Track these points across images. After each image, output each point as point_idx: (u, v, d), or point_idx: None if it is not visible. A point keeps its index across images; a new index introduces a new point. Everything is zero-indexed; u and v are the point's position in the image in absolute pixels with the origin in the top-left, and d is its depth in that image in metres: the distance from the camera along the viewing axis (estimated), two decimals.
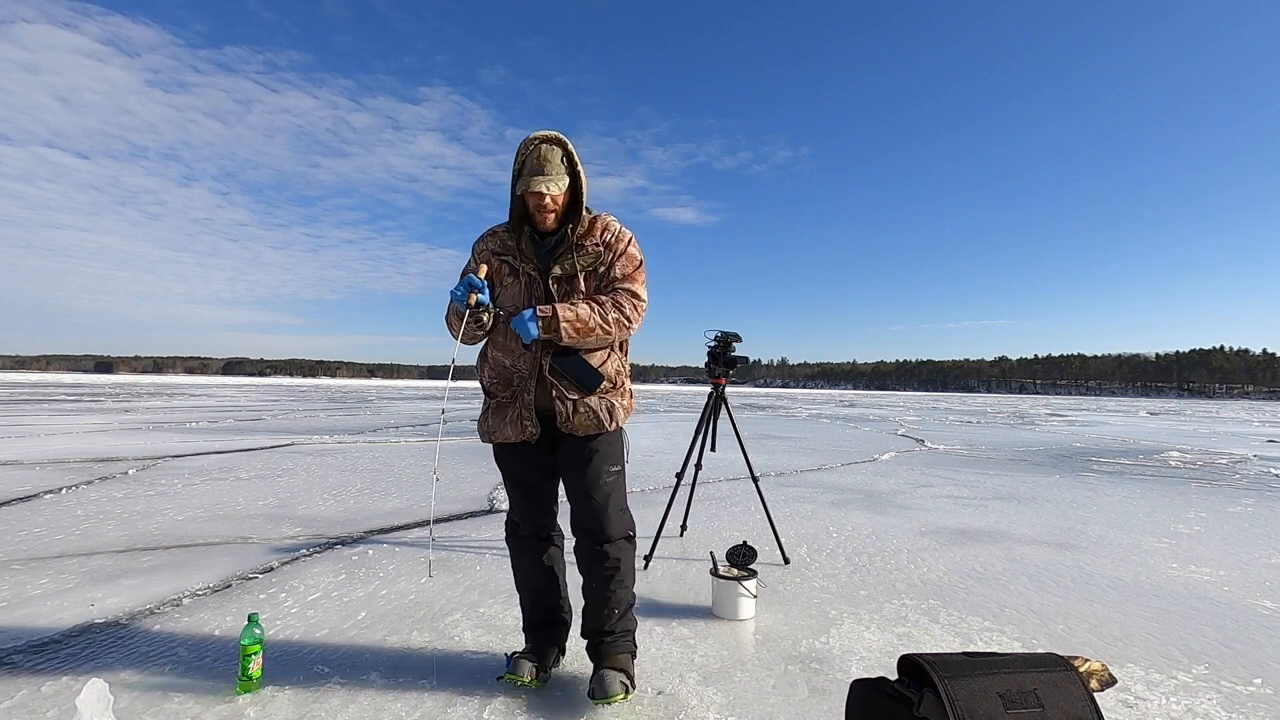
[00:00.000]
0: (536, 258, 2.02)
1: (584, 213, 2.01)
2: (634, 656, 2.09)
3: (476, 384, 2.18)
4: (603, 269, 2.02)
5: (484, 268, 1.98)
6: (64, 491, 4.98)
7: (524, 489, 2.11)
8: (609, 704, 1.90)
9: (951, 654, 1.49)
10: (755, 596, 2.70)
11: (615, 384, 2.06)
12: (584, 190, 2.00)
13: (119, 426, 11.04)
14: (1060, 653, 1.71)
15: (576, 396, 1.97)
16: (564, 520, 2.13)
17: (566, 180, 1.93)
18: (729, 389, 3.66)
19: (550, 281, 2.00)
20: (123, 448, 7.89)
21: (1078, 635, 2.59)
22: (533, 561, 2.14)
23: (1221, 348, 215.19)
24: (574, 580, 2.17)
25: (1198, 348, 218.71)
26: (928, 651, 1.80)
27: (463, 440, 9.32)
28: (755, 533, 4.00)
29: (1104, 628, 2.68)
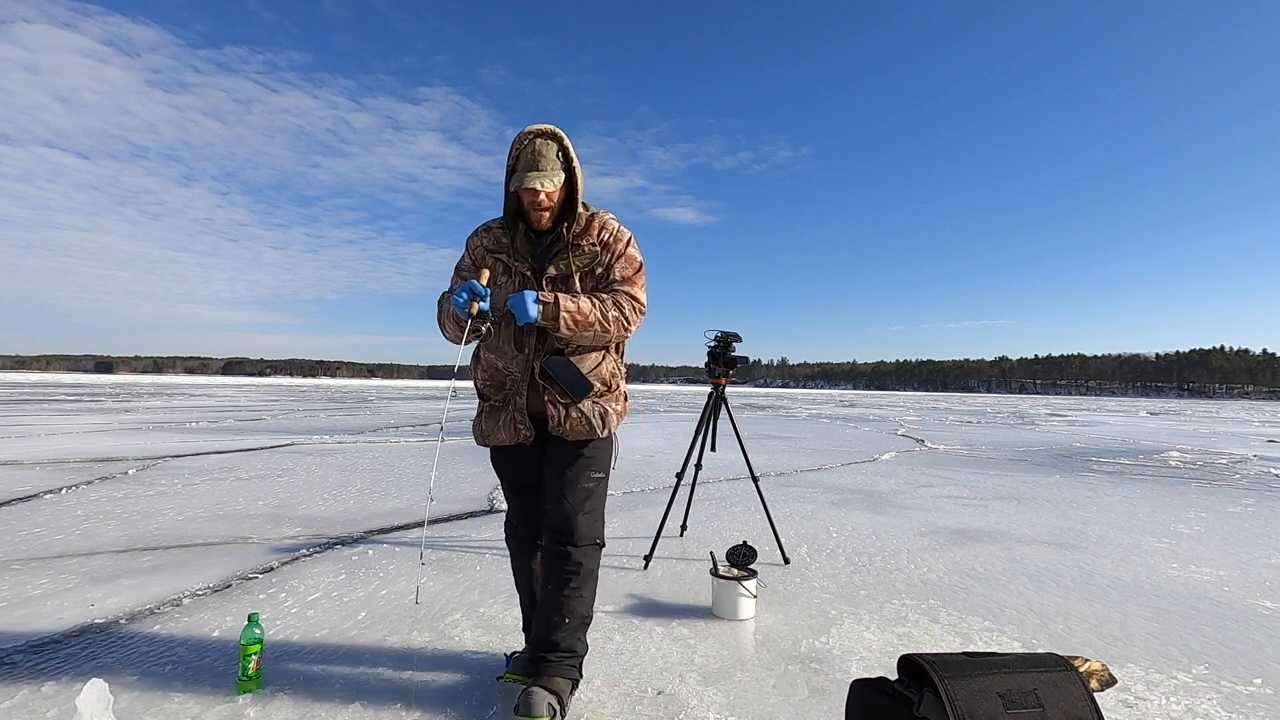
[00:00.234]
0: (531, 256, 1.96)
1: (580, 210, 1.96)
2: (575, 687, 1.93)
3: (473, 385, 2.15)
4: (600, 270, 1.96)
5: (485, 272, 1.90)
6: (64, 491, 4.98)
7: (520, 492, 2.08)
8: None
9: (951, 654, 1.49)
10: (755, 596, 2.70)
11: (610, 387, 2.01)
12: (580, 187, 1.94)
13: (119, 426, 11.04)
14: (1060, 653, 1.71)
15: (567, 401, 1.93)
16: None
17: (562, 176, 1.87)
18: (729, 389, 3.66)
19: (544, 281, 1.94)
20: (123, 448, 7.89)
21: (1078, 635, 2.59)
22: (532, 563, 2.11)
23: (1221, 348, 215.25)
24: None
25: (1198, 348, 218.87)
26: (928, 651, 1.80)
27: (462, 440, 9.31)
28: (755, 533, 4.00)
29: (1104, 628, 2.68)
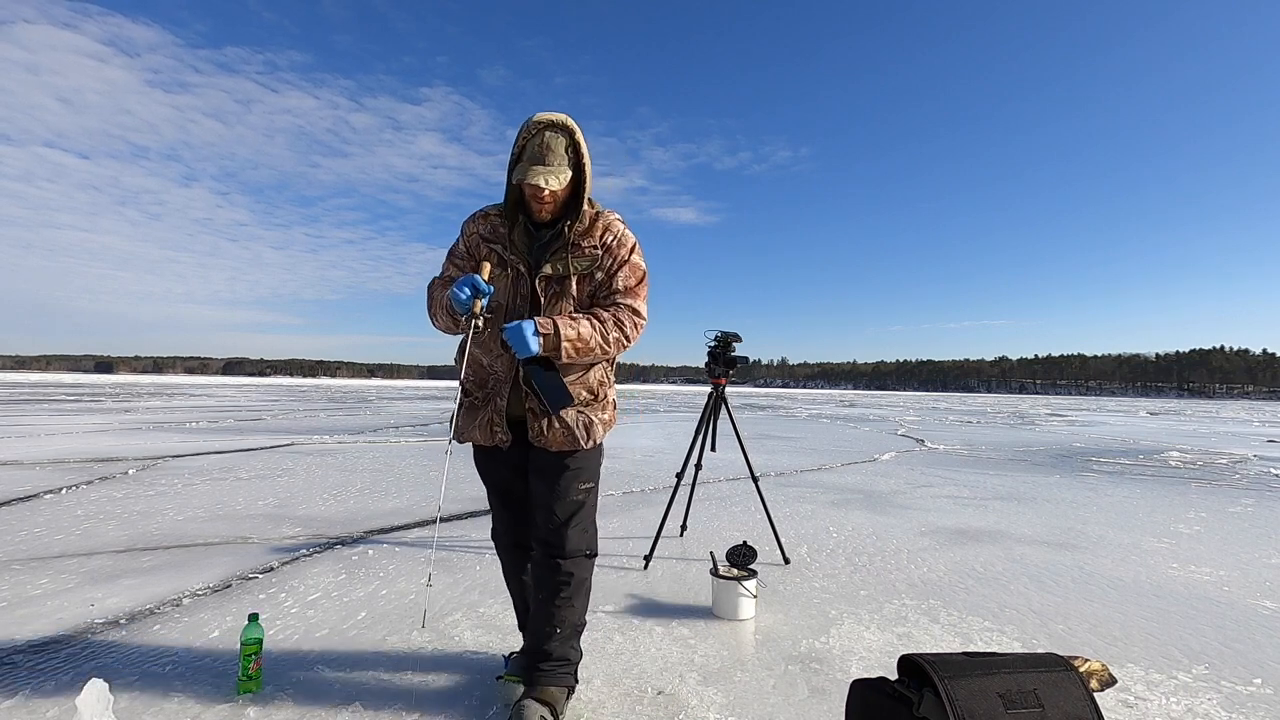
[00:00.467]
0: (528, 252, 1.86)
1: (585, 207, 1.84)
2: (571, 693, 1.91)
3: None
4: (600, 275, 1.86)
5: (487, 266, 1.80)
6: (64, 491, 4.98)
7: (504, 496, 2.00)
8: None
9: (951, 654, 1.49)
10: (755, 596, 2.70)
11: (597, 396, 1.92)
12: (587, 184, 1.82)
13: (119, 426, 11.04)
14: (1060, 653, 1.71)
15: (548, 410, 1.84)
16: None
17: (569, 174, 1.75)
18: (729, 389, 3.66)
19: (538, 281, 1.84)
20: (123, 448, 7.89)
21: (1078, 635, 2.59)
22: (520, 570, 2.04)
23: (1221, 348, 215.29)
24: None
25: (1198, 348, 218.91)
26: (928, 651, 1.80)
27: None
28: (755, 533, 4.00)
29: (1104, 628, 2.68)
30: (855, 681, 1.59)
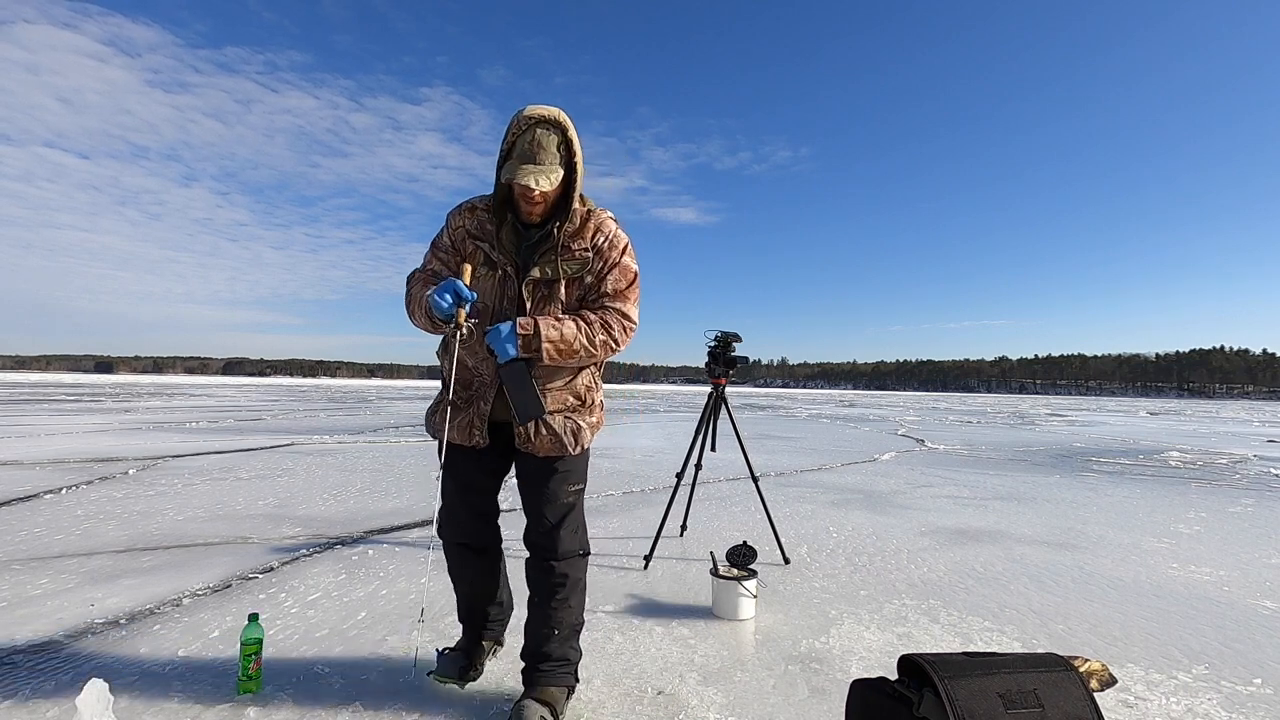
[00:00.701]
0: (516, 252, 1.80)
1: (576, 205, 1.79)
2: (571, 692, 1.89)
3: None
4: (590, 278, 1.81)
5: (469, 269, 1.74)
6: (64, 491, 4.98)
7: (462, 488, 1.91)
8: None
9: (951, 654, 1.49)
10: (755, 596, 2.70)
11: (585, 402, 1.89)
12: (579, 182, 1.76)
13: (119, 426, 11.04)
14: (1060, 653, 1.71)
15: (542, 414, 1.78)
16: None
17: (560, 173, 1.68)
18: (729, 389, 3.66)
19: (526, 284, 1.78)
20: (123, 448, 7.88)
21: (1078, 635, 2.59)
22: (468, 569, 1.99)
23: (1221, 348, 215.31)
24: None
25: (1198, 348, 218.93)
26: (928, 651, 1.80)
27: None
28: (755, 533, 4.00)
29: (1104, 628, 2.68)
30: (855, 681, 1.59)
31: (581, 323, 1.76)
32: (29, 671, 2.05)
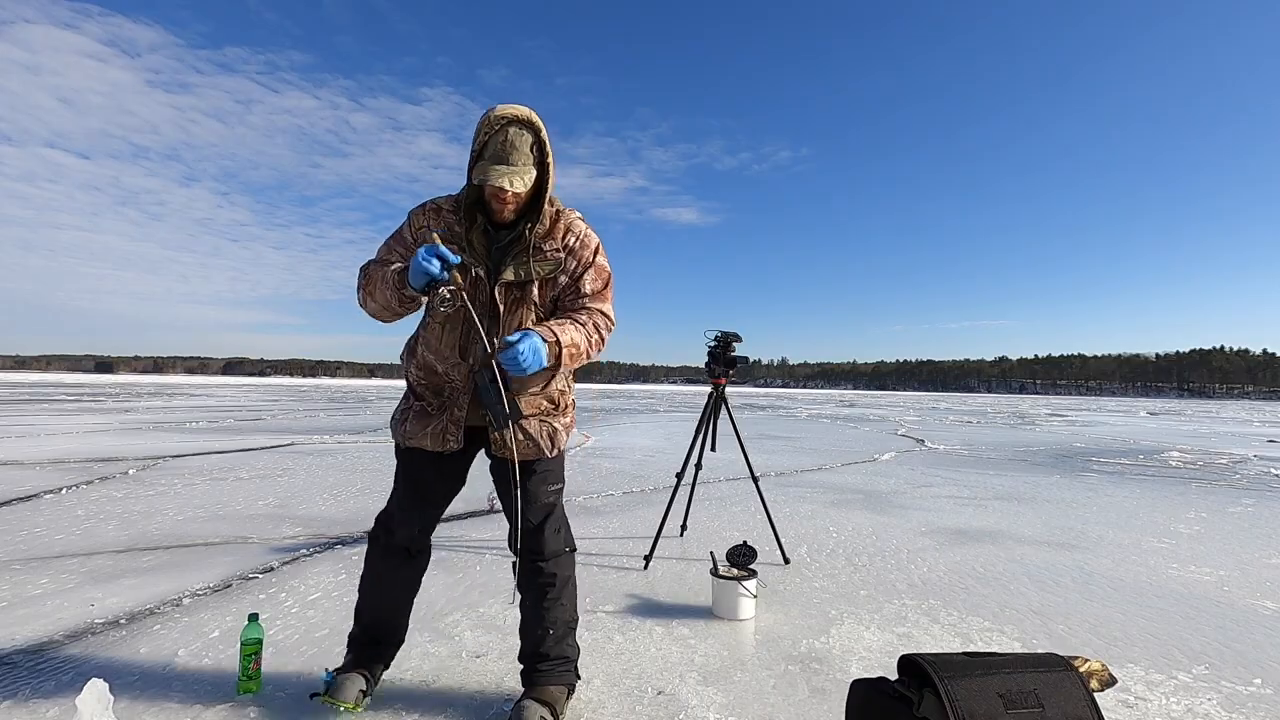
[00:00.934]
0: (487, 255, 1.76)
1: (546, 206, 1.76)
2: (572, 691, 1.89)
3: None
4: (564, 278, 1.79)
5: (436, 237, 1.64)
6: (64, 491, 4.98)
7: (420, 494, 1.88)
8: None
9: (952, 654, 1.49)
10: (755, 596, 2.70)
11: (558, 405, 1.88)
12: (550, 183, 1.73)
13: (119, 426, 11.04)
14: (1060, 653, 1.71)
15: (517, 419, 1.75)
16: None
17: (533, 174, 1.66)
18: (729, 389, 3.66)
19: (499, 287, 1.74)
20: (123, 448, 7.88)
21: (1078, 635, 2.59)
22: (397, 577, 1.93)
23: (1222, 348, 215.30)
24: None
25: (1198, 348, 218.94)
26: (928, 651, 1.80)
27: None
28: (755, 533, 4.00)
29: (1104, 628, 2.68)
30: (855, 681, 1.59)
31: (580, 326, 1.74)
32: (29, 671, 2.05)
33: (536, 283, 1.77)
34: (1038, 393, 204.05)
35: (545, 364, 1.62)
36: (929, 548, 3.93)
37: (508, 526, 1.91)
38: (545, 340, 1.62)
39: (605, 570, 3.31)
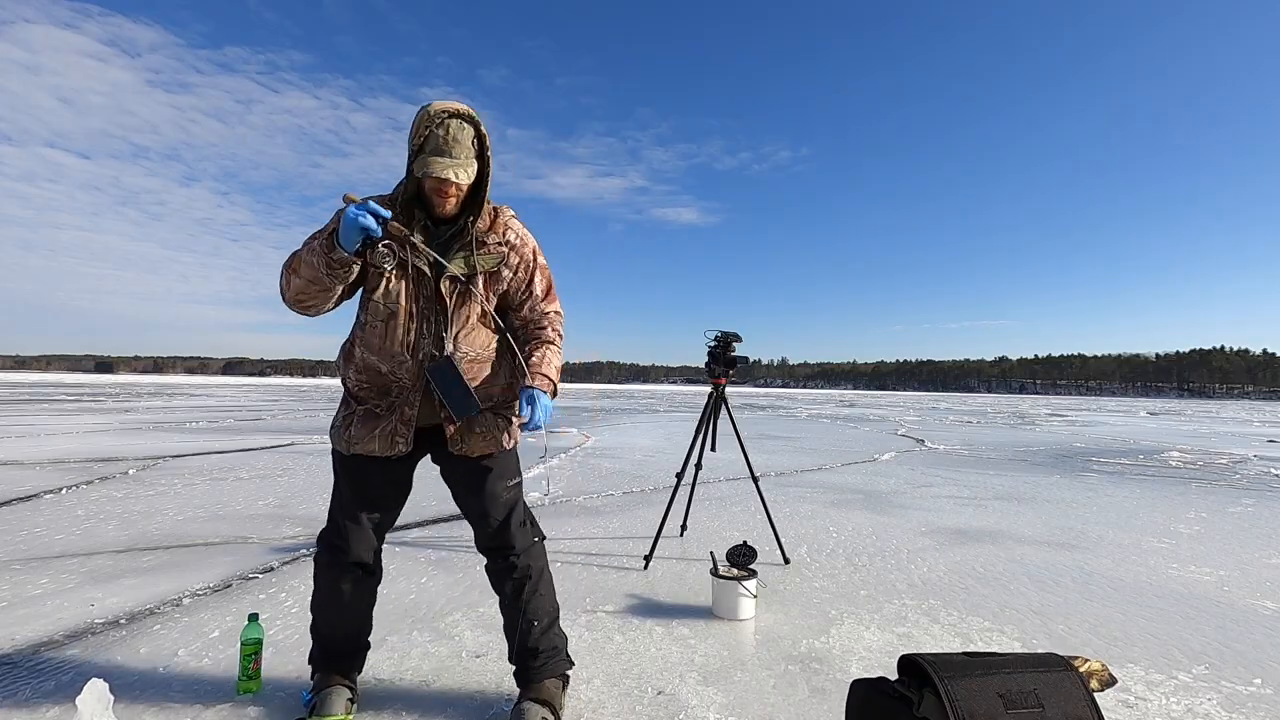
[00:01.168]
0: (429, 251, 1.75)
1: (486, 203, 1.78)
2: (567, 681, 1.90)
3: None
4: (507, 272, 1.82)
5: (353, 196, 1.63)
6: (64, 491, 4.98)
7: (368, 505, 1.82)
8: None
9: (952, 654, 1.49)
10: (755, 596, 2.70)
11: (507, 398, 1.89)
12: (490, 178, 1.75)
13: (119, 426, 11.04)
14: (1060, 653, 1.71)
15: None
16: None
17: (475, 167, 1.68)
18: (729, 389, 3.66)
19: (444, 281, 1.73)
20: (123, 448, 7.88)
21: (1078, 635, 2.59)
22: (357, 593, 1.84)
23: (1222, 348, 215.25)
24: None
25: (1198, 348, 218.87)
26: (928, 651, 1.80)
27: None
28: (755, 533, 4.00)
29: (1104, 628, 2.68)
30: (855, 681, 1.59)
31: (557, 348, 1.87)
32: (29, 671, 2.05)
33: (482, 276, 1.78)
34: (1038, 393, 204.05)
35: (551, 406, 1.78)
36: (929, 548, 3.93)
37: (538, 535, 1.96)
38: (549, 390, 1.78)
39: (605, 570, 3.31)
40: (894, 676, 1.54)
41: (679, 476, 3.55)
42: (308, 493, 5.18)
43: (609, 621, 2.61)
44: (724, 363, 3.50)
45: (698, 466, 3.62)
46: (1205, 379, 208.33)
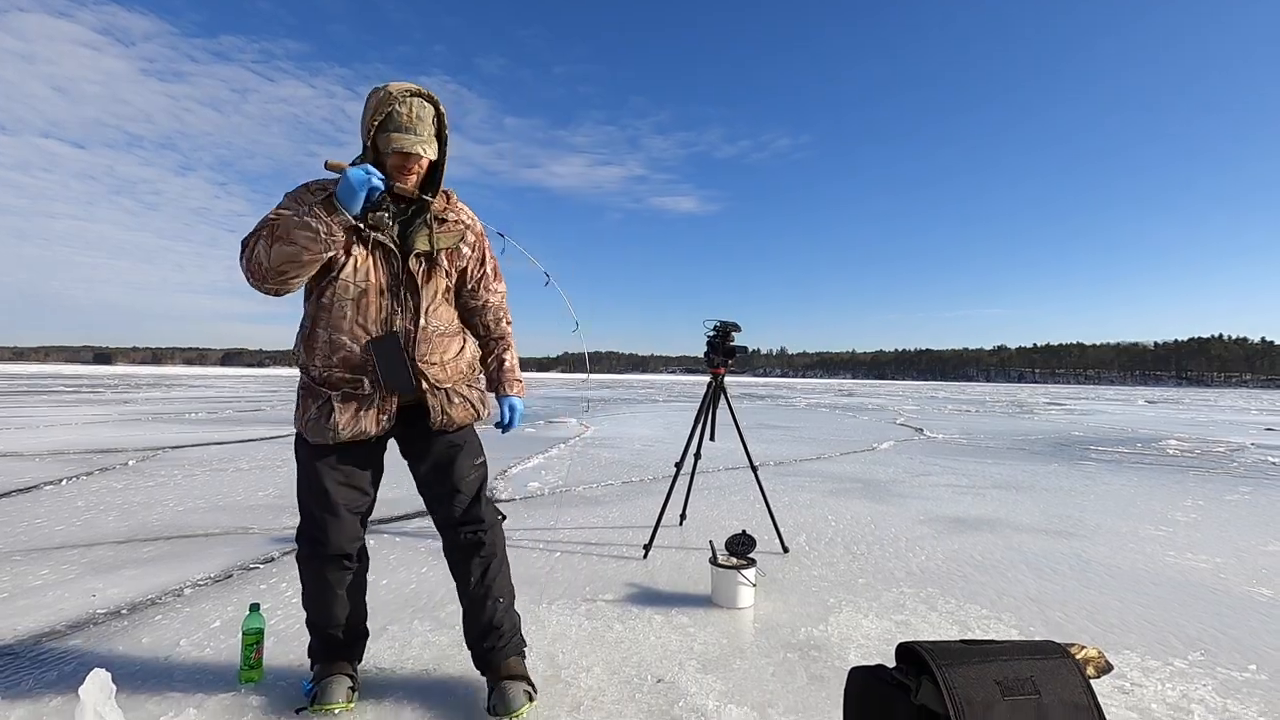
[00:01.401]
0: (392, 228, 1.76)
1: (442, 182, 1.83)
2: (524, 656, 1.94)
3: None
4: (467, 250, 1.87)
5: (335, 163, 1.66)
6: (64, 482, 4.99)
7: (358, 496, 1.82)
8: (517, 718, 1.74)
9: (949, 642, 1.50)
10: (754, 585, 2.71)
11: (474, 369, 1.95)
12: (446, 158, 1.80)
13: (118, 418, 11.04)
14: (1057, 640, 1.72)
15: (449, 385, 1.82)
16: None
17: (436, 145, 1.74)
18: (728, 378, 3.66)
19: (412, 258, 1.76)
20: (122, 439, 7.89)
21: (1075, 622, 2.60)
22: (347, 584, 1.85)
23: (1220, 336, 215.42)
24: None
25: (1196, 336, 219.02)
26: (925, 639, 1.80)
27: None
28: (754, 522, 4.02)
29: (1101, 615, 2.69)
30: (853, 669, 1.60)
31: (507, 340, 2.01)
32: (31, 662, 2.06)
33: (443, 253, 1.83)
34: (1036, 381, 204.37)
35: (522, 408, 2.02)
36: (927, 536, 3.95)
37: (501, 514, 2.00)
38: (519, 391, 2.01)
39: (605, 559, 3.32)
40: (892, 664, 1.55)
41: (678, 466, 3.56)
42: None
43: (608, 610, 2.62)
44: (723, 352, 3.50)
45: (697, 456, 3.63)
46: (1203, 367, 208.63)
